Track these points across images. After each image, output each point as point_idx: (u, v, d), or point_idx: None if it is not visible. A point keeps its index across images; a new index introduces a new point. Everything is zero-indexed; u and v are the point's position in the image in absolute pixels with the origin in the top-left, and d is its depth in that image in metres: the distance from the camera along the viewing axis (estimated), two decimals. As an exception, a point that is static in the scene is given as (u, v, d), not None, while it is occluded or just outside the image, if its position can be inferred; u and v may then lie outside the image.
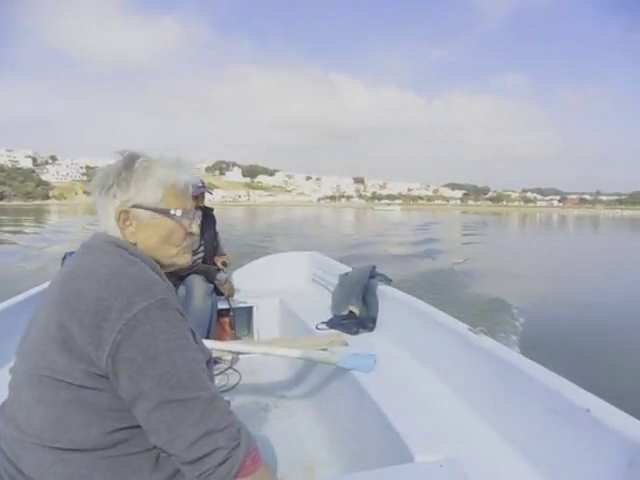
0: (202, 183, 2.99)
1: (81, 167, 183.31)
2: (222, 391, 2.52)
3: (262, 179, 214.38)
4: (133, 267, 0.94)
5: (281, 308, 3.28)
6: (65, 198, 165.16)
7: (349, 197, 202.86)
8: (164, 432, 0.85)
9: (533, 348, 5.47)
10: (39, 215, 55.71)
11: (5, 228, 29.76)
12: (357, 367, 2.08)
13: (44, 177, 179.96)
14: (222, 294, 3.09)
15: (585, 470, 1.26)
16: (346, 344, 2.43)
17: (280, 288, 3.52)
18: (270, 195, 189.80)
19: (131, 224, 1.01)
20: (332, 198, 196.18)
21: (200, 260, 3.07)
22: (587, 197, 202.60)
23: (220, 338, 2.96)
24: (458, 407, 1.77)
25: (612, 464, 1.18)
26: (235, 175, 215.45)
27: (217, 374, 2.74)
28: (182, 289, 2.86)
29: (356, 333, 2.57)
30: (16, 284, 7.76)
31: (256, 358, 2.81)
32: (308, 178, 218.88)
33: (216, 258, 3.23)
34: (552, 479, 1.33)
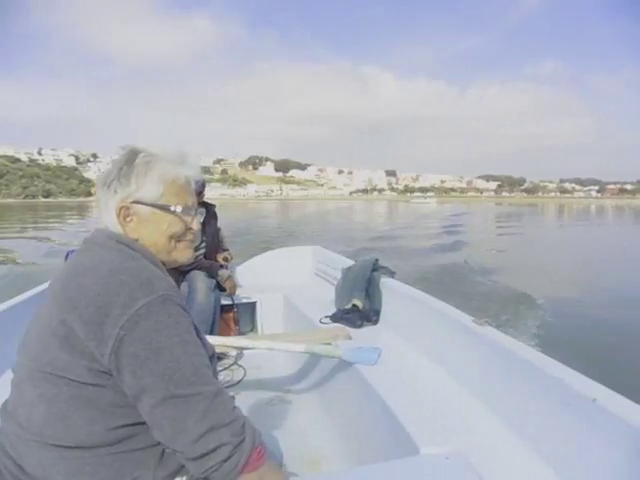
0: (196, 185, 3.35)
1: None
2: (227, 387, 2.59)
3: (294, 173, 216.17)
4: (134, 262, 0.94)
5: (285, 303, 3.28)
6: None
7: (381, 190, 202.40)
8: (168, 428, 0.84)
9: (552, 344, 5.41)
10: (81, 211, 57.87)
11: (50, 224, 31.60)
12: (361, 360, 2.10)
13: (86, 175, 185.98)
14: (225, 290, 3.09)
15: (591, 459, 1.26)
16: (350, 338, 2.45)
17: (283, 283, 3.53)
18: (302, 189, 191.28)
19: (132, 220, 1.01)
20: (364, 191, 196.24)
21: (202, 256, 3.07)
22: (628, 187, 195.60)
23: (224, 334, 2.97)
24: (463, 399, 1.78)
25: (619, 452, 1.19)
26: (268, 170, 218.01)
27: (222, 370, 2.80)
28: (185, 285, 2.87)
29: (360, 326, 2.58)
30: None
31: (260, 353, 2.82)
32: (340, 172, 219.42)
33: (218, 254, 3.25)
34: (559, 469, 1.34)
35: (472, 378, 1.84)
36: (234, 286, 3.18)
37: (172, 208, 1.03)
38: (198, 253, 3.03)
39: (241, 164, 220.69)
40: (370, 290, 2.74)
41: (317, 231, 23.49)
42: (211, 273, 2.98)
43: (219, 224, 3.39)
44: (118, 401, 0.87)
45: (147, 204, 1.01)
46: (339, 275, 3.04)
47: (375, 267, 2.83)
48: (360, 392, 1.98)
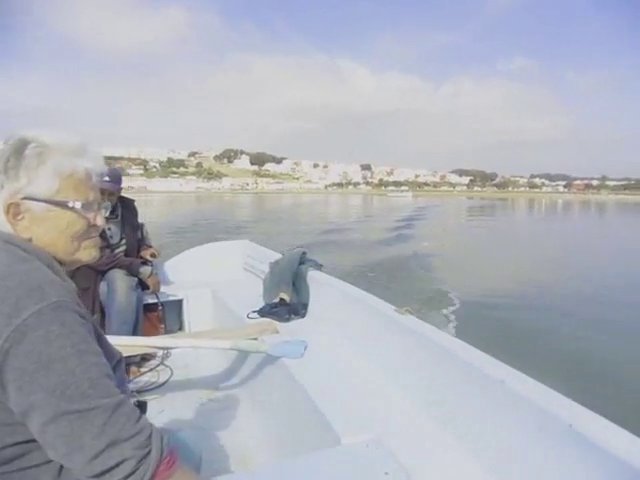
0: (110, 177, 2.82)
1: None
2: (152, 388, 2.57)
3: (270, 167, 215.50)
4: (24, 266, 0.86)
5: (213, 299, 3.25)
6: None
7: (356, 184, 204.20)
8: (61, 446, 0.78)
9: (474, 330, 5.96)
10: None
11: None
12: (287, 354, 2.12)
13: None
14: (148, 288, 2.98)
15: (501, 438, 1.33)
16: (277, 332, 2.46)
17: (212, 279, 3.46)
18: (278, 183, 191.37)
19: (23, 218, 0.92)
20: (339, 185, 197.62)
21: (122, 254, 2.94)
22: (595, 182, 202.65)
23: (149, 334, 2.87)
24: (385, 387, 1.83)
25: (524, 430, 1.26)
26: (243, 163, 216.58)
27: (147, 371, 2.76)
28: (103, 285, 2.74)
29: (288, 320, 2.59)
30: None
31: (188, 352, 2.81)
32: (315, 165, 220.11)
33: (143, 251, 3.13)
34: (472, 449, 1.41)
35: (394, 366, 1.90)
36: (158, 283, 3.05)
37: (70, 204, 0.94)
38: (118, 251, 2.92)
39: (216, 157, 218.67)
40: (297, 283, 2.76)
41: (273, 222, 23.88)
42: (132, 271, 2.85)
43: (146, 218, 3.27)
44: (5, 419, 0.81)
45: (41, 200, 0.92)
46: (268, 269, 3.03)
47: (302, 260, 2.85)
48: (286, 386, 2.00)
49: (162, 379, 2.67)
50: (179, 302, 3.26)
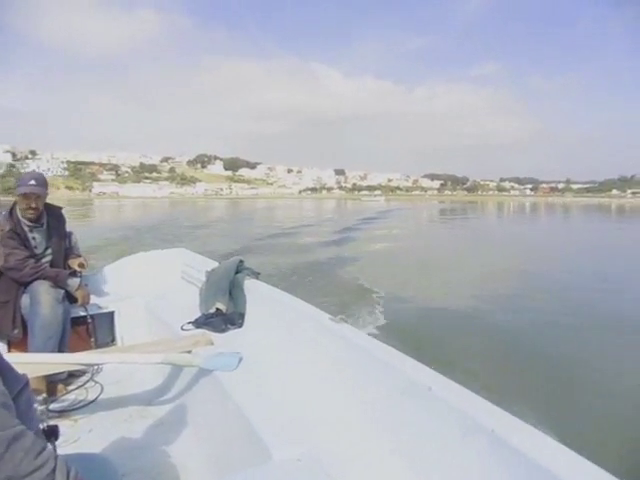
0: (37, 181, 2.68)
1: (62, 162, 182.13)
2: (80, 407, 2.45)
3: (244, 172, 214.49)
4: None
5: (147, 310, 3.10)
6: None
7: (330, 189, 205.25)
8: None
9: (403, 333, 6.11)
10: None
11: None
12: (220, 367, 2.07)
13: (25, 172, 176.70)
14: (76, 300, 2.81)
15: (429, 445, 1.34)
16: (212, 343, 2.40)
17: (146, 289, 3.31)
18: (252, 188, 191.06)
19: None
20: (313, 190, 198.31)
21: (48, 264, 2.76)
22: (561, 185, 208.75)
23: (77, 349, 2.69)
24: (318, 397, 1.80)
25: (450, 436, 1.28)
26: (217, 168, 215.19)
27: (74, 389, 2.62)
28: (26, 298, 2.57)
29: (224, 331, 2.53)
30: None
31: (119, 367, 2.69)
32: (289, 171, 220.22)
33: (71, 261, 2.94)
34: (404, 457, 1.40)
35: (328, 376, 1.88)
36: (87, 295, 2.87)
37: None
38: (43, 261, 2.75)
39: (189, 162, 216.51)
40: (234, 292, 2.69)
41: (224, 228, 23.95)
42: (58, 283, 2.68)
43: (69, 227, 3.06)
44: None
45: None
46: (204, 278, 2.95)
47: (239, 269, 2.79)
48: (219, 400, 1.95)
49: (91, 396, 2.55)
50: (110, 314, 3.10)
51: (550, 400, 4.58)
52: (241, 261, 2.89)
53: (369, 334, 2.06)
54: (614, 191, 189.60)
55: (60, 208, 2.99)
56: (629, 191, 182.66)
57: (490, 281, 11.07)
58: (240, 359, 2.15)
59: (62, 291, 2.69)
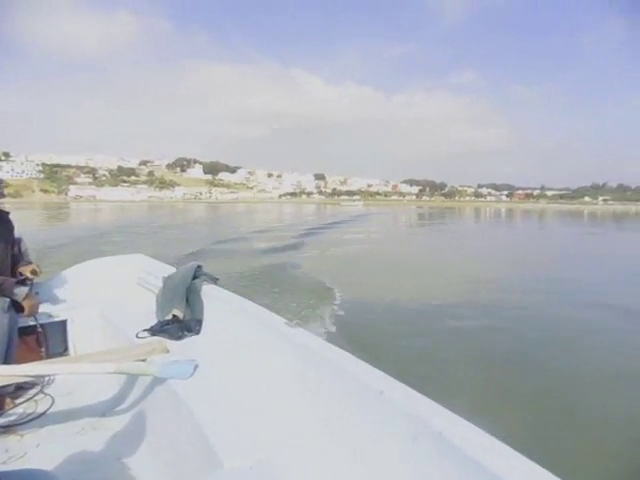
0: None
1: (37, 164, 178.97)
2: (28, 420, 2.36)
3: (224, 176, 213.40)
4: None
5: (102, 318, 3.01)
6: (22, 196, 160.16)
7: (310, 193, 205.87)
8: None
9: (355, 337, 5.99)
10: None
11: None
12: (175, 375, 2.04)
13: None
14: (23, 310, 2.68)
15: (381, 449, 1.35)
16: (167, 351, 2.36)
17: (101, 296, 3.21)
18: (232, 192, 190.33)
19: None
20: (293, 195, 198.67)
21: None
22: (536, 192, 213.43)
23: (25, 360, 2.54)
24: (272, 403, 1.78)
25: (400, 439, 1.29)
26: (196, 172, 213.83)
27: (23, 402, 2.52)
28: None
29: (180, 338, 2.49)
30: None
31: (73, 378, 2.60)
32: (270, 175, 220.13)
33: (22, 268, 2.84)
34: (357, 462, 1.40)
35: (283, 381, 1.86)
36: (36, 304, 2.73)
37: None
38: None
39: (168, 166, 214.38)
40: (191, 299, 2.65)
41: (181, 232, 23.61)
42: (3, 291, 2.56)
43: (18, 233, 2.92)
44: None
45: None
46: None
47: (197, 274, 2.74)
48: (174, 409, 1.91)
49: (41, 409, 2.45)
50: (63, 323, 2.99)
51: (497, 397, 4.74)
52: (199, 266, 2.84)
53: (325, 338, 2.02)
54: (586, 198, 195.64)
55: (7, 213, 2.87)
56: (600, 198, 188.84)
57: (455, 285, 11.30)
58: (196, 366, 2.12)
59: (8, 300, 2.59)
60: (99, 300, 3.17)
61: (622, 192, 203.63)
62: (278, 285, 9.64)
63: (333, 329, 6.51)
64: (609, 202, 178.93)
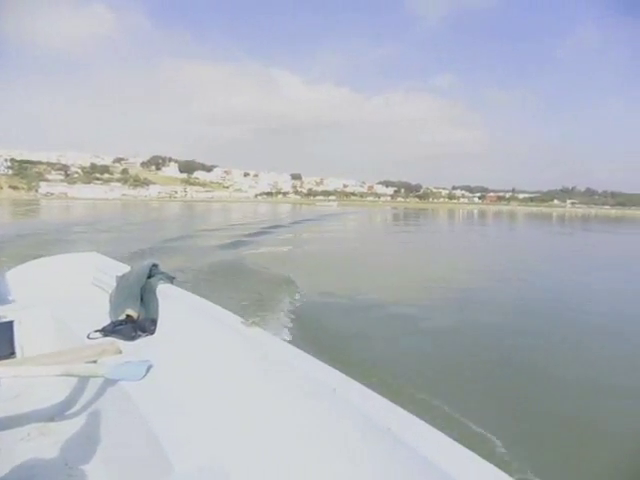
0: None
1: (5, 159, 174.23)
2: None
3: (199, 175, 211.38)
4: None
5: (52, 319, 2.93)
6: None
7: (286, 193, 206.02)
8: None
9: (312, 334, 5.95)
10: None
11: None
12: (126, 377, 1.99)
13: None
14: None
15: (332, 446, 1.35)
16: (120, 352, 2.30)
17: (53, 296, 3.13)
18: (208, 191, 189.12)
19: None
20: (269, 194, 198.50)
21: None
22: (508, 194, 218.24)
23: None
24: (225, 404, 1.77)
25: (351, 436, 1.30)
26: (172, 170, 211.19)
27: None
28: None
29: (133, 338, 2.44)
30: None
31: (19, 382, 2.52)
32: (246, 174, 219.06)
33: None
34: (308, 460, 1.39)
35: (235, 381, 1.85)
36: None
37: None
38: None
39: (143, 164, 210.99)
40: (146, 298, 2.60)
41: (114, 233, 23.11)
42: None
43: None
44: None
45: None
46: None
47: (152, 273, 2.69)
48: (125, 412, 1.88)
49: None
50: (9, 324, 2.88)
51: (452, 393, 4.87)
52: (155, 265, 2.78)
53: (282, 336, 2.01)
54: (555, 201, 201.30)
55: None
56: (569, 201, 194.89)
57: (414, 283, 11.64)
58: (149, 367, 2.09)
59: None
60: (50, 300, 3.07)
61: (589, 196, 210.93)
62: (242, 282, 9.94)
63: (292, 327, 6.48)
64: (577, 205, 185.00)
